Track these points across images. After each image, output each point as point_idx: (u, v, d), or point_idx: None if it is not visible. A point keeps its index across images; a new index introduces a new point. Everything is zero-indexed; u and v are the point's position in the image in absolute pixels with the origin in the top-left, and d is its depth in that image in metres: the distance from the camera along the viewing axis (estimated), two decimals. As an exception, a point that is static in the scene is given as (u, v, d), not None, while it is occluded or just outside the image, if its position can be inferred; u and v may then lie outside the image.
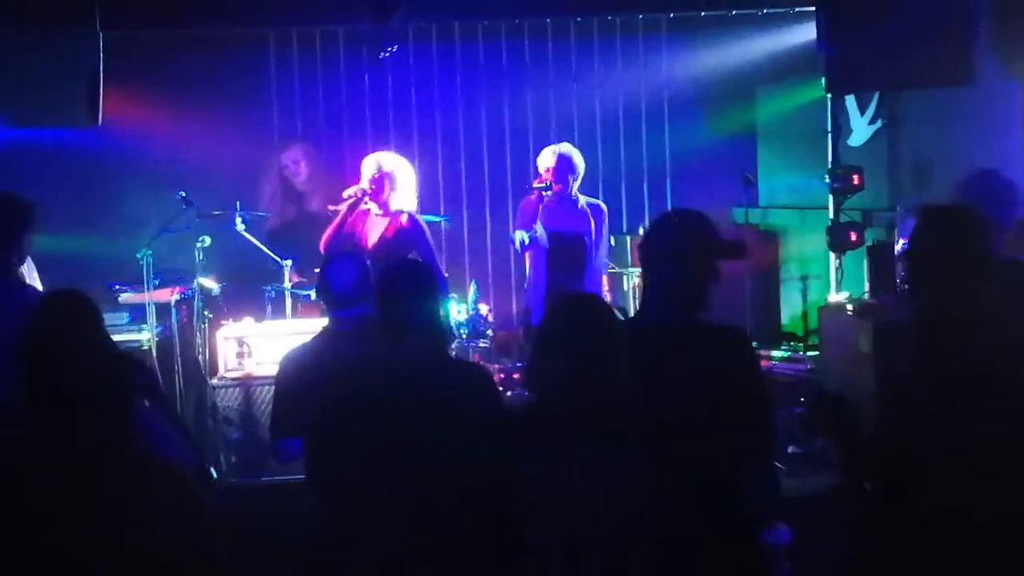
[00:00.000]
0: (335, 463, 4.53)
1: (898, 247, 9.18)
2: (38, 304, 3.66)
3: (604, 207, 9.37)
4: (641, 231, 11.11)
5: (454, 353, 9.10)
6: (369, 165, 9.08)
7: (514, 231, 9.23)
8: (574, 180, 9.16)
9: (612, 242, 10.00)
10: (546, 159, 9.12)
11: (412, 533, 4.30)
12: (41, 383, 3.41)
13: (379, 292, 4.71)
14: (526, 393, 8.46)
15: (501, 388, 9.31)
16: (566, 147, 9.23)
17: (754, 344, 4.84)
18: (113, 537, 3.28)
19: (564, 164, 9.08)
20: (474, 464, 4.19)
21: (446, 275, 9.30)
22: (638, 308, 4.72)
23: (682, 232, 4.64)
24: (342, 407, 4.53)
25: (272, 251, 9.71)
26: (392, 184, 9.03)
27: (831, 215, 10.64)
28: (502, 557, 4.07)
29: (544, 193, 8.95)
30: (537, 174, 9.20)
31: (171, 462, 3.69)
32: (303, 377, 5.65)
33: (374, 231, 9.03)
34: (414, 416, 4.34)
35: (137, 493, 3.35)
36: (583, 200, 9.20)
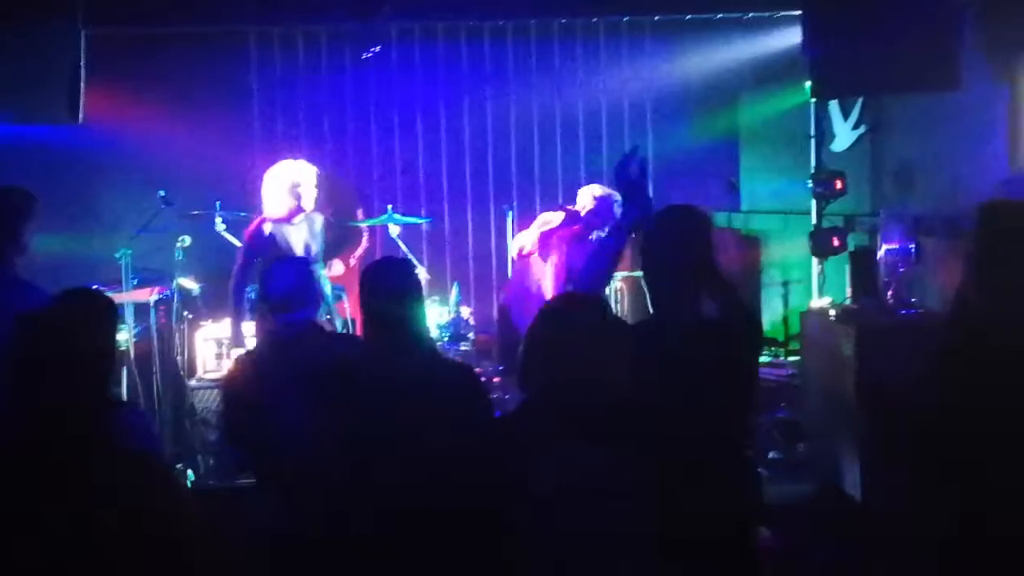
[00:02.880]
0: (320, 466, 4.48)
1: (880, 252, 9.16)
2: (60, 300, 3.66)
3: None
4: (633, 234, 11.08)
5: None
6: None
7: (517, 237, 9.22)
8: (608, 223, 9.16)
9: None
10: (586, 198, 9.04)
11: (402, 533, 4.26)
12: (34, 377, 3.40)
13: (370, 292, 4.66)
14: (506, 397, 8.47)
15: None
16: (610, 192, 9.12)
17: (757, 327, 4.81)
18: (93, 527, 3.26)
19: (606, 208, 8.98)
20: (467, 463, 4.14)
21: (427, 277, 9.29)
22: (652, 308, 4.67)
23: (689, 230, 4.65)
24: (335, 411, 4.48)
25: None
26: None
27: (814, 220, 10.62)
28: (495, 556, 4.03)
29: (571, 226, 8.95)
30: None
31: (152, 453, 3.70)
32: (263, 385, 5.57)
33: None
34: (410, 416, 4.30)
35: (118, 483, 3.33)
36: (595, 233, 9.13)
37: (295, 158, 9.23)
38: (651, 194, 5.07)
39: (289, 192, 8.76)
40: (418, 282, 4.74)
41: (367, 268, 4.88)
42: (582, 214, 8.93)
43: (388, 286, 4.62)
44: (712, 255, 4.62)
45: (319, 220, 9.03)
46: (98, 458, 3.36)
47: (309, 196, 8.85)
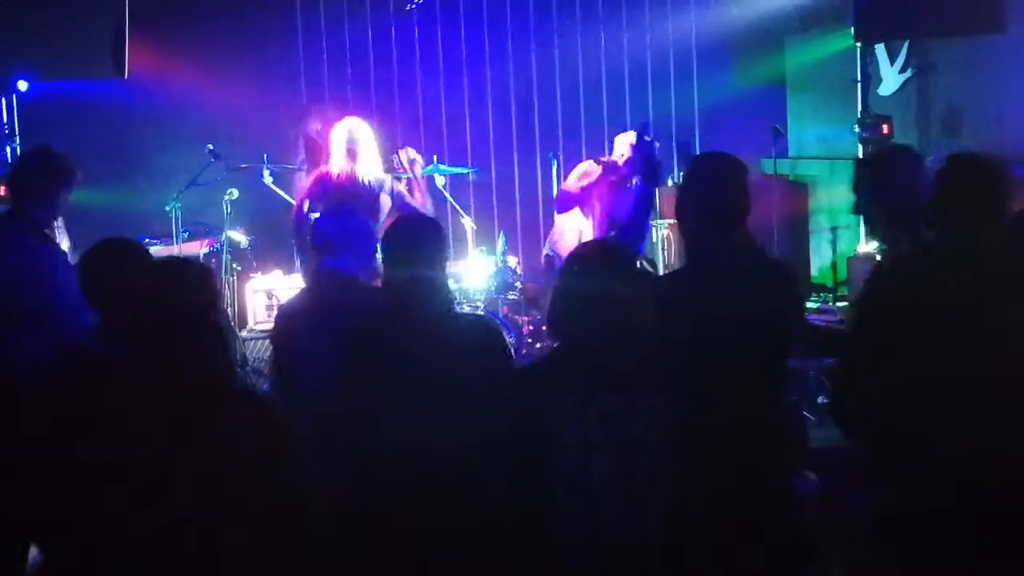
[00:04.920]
0: (343, 420, 4.51)
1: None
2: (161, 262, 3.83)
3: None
4: (670, 182, 11.07)
5: (480, 307, 9.12)
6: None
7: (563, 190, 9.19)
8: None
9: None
10: (623, 146, 8.98)
11: (429, 486, 4.29)
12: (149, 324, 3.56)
13: (385, 248, 4.68)
14: (555, 346, 8.49)
15: (531, 340, 9.34)
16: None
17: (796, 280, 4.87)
18: (201, 460, 3.41)
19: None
20: (484, 417, 4.19)
21: (473, 227, 9.31)
22: (686, 256, 4.72)
23: (723, 178, 4.67)
24: (350, 365, 4.52)
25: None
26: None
27: (861, 165, 10.56)
28: (522, 504, 4.07)
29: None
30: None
31: (259, 392, 3.86)
32: (297, 334, 5.64)
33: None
34: (423, 371, 4.31)
35: (229, 419, 3.48)
36: (635, 180, 9.08)
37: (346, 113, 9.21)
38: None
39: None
40: (438, 240, 4.67)
41: (388, 226, 4.90)
42: (620, 163, 8.90)
43: (403, 244, 4.62)
44: (746, 203, 4.63)
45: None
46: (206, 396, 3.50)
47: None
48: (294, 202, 9.41)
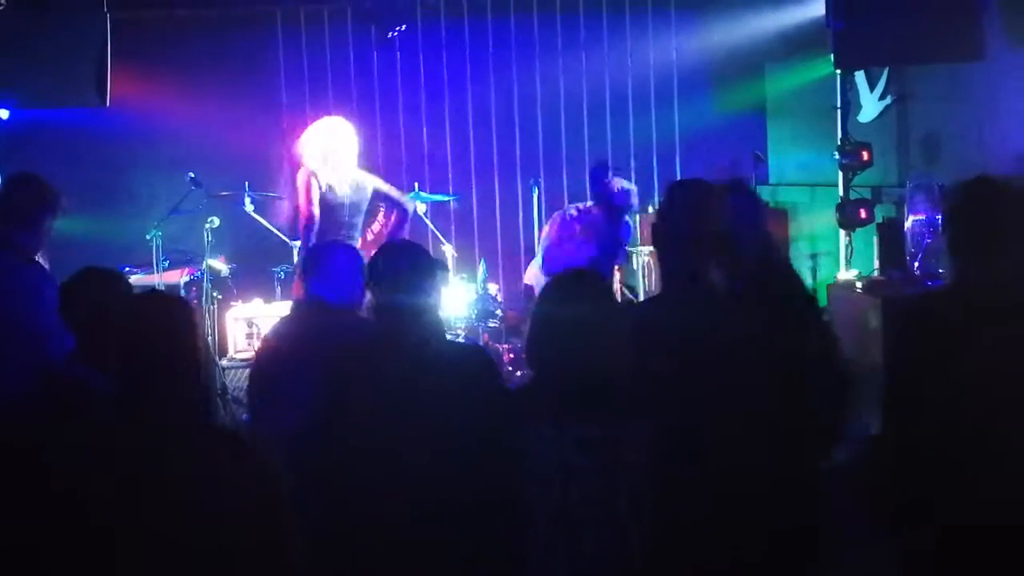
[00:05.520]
0: (326, 446, 4.50)
1: (908, 223, 9.15)
2: (147, 300, 3.77)
3: (630, 223, 9.29)
4: (651, 209, 11.08)
5: (461, 335, 9.10)
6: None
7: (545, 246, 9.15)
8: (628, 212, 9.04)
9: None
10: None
11: (408, 513, 4.28)
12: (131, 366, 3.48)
13: (372, 274, 4.67)
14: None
15: (511, 368, 9.33)
16: (624, 184, 9.03)
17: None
18: (181, 505, 3.35)
19: (624, 199, 8.89)
20: (470, 445, 4.18)
21: (454, 254, 9.29)
22: (662, 283, 4.72)
23: (695, 205, 4.66)
24: (329, 391, 4.51)
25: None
26: None
27: (840, 192, 10.60)
28: (501, 533, 4.07)
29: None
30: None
31: (238, 432, 3.80)
32: (276, 360, 5.62)
33: None
34: (402, 398, 4.31)
35: (207, 461, 3.42)
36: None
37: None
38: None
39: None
40: (426, 267, 4.68)
41: (375, 252, 4.90)
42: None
43: (388, 271, 4.61)
44: (722, 227, 4.61)
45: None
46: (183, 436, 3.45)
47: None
48: (274, 230, 9.44)
